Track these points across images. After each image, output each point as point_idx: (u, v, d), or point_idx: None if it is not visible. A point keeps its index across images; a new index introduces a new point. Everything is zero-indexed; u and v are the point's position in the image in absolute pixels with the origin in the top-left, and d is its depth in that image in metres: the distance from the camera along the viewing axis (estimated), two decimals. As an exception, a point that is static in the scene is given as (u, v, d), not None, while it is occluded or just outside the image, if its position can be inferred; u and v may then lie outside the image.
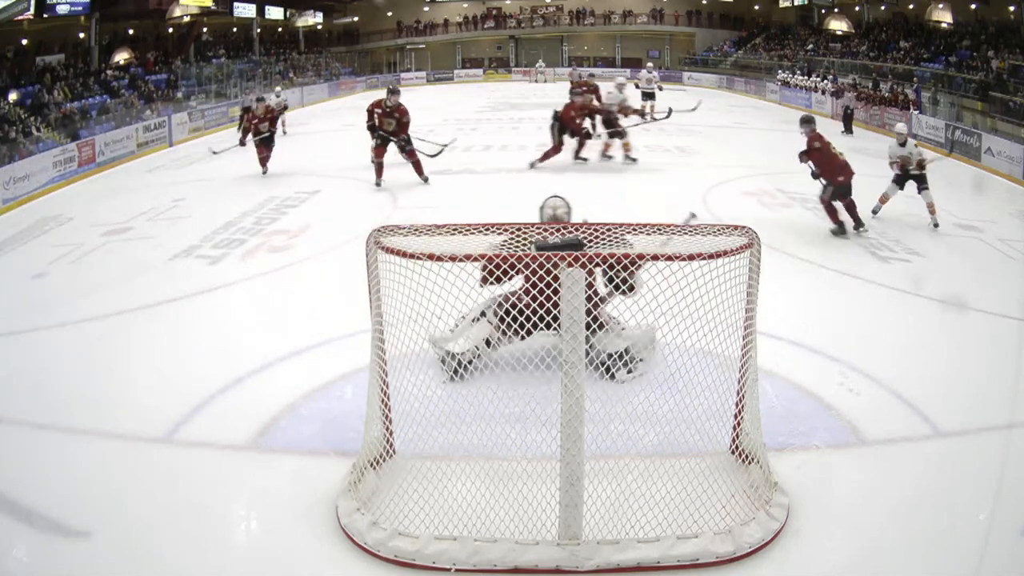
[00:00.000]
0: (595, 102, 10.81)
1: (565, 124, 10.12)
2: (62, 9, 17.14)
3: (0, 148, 11.28)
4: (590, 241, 2.84)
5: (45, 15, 16.71)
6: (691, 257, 2.83)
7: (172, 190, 9.96)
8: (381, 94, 9.40)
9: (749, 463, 3.19)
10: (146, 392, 4.10)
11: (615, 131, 10.67)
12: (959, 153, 12.16)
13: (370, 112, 9.18)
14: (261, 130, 10.59)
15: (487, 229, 2.91)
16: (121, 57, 19.02)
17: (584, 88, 11.37)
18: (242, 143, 10.59)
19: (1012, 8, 18.13)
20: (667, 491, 2.84)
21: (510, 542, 2.75)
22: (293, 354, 4.52)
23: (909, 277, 5.90)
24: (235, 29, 25.90)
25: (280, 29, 28.44)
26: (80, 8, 17.67)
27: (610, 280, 4.23)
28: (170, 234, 7.53)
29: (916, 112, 14.76)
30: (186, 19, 22.07)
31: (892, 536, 2.90)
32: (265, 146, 10.62)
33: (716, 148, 12.52)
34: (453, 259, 2.67)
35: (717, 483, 2.92)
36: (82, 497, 3.18)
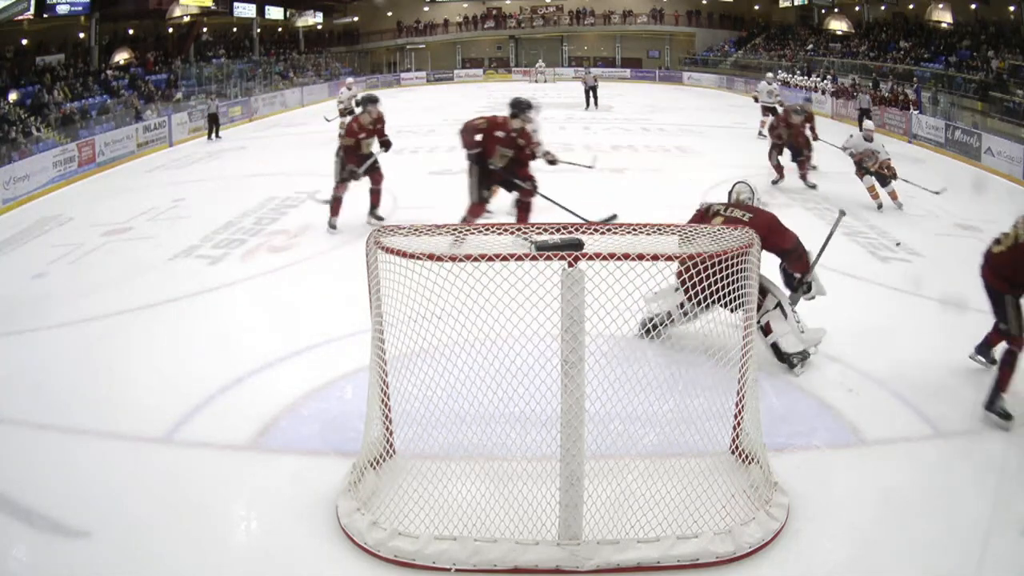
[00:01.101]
0: (808, 131, 9.22)
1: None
2: (62, 9, 17.14)
3: (0, 148, 11.28)
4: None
5: (45, 15, 16.71)
6: (691, 257, 2.83)
7: (172, 190, 9.95)
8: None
9: (749, 463, 3.19)
10: (146, 392, 4.10)
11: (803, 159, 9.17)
12: (959, 153, 12.17)
13: (484, 131, 6.05)
14: (366, 149, 7.02)
15: (487, 229, 2.91)
16: (121, 57, 19.02)
17: (804, 115, 9.27)
18: (352, 176, 7.02)
19: (1012, 8, 18.13)
20: (667, 491, 2.84)
21: (510, 542, 2.75)
22: (293, 354, 4.52)
23: (909, 277, 5.90)
24: (235, 29, 25.90)
25: (280, 29, 28.43)
26: (80, 8, 17.67)
27: (787, 279, 4.32)
28: (170, 234, 7.53)
29: (916, 112, 14.75)
30: (186, 19, 22.06)
31: (892, 536, 2.90)
32: (372, 176, 7.10)
33: (716, 148, 12.52)
34: (453, 259, 2.66)
35: (717, 483, 2.92)
36: (82, 497, 3.18)
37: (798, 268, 4.31)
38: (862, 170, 8.20)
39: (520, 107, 6.09)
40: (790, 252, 4.20)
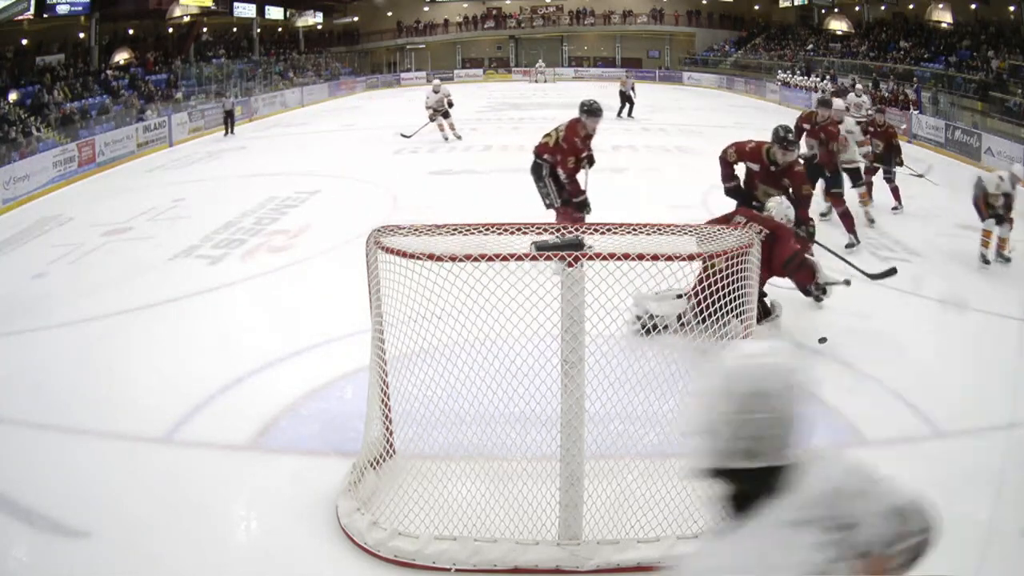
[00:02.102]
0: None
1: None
2: (62, 9, 17.13)
3: (0, 148, 11.28)
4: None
5: (45, 15, 16.70)
6: (691, 257, 2.83)
7: (172, 190, 9.96)
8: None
9: (749, 463, 3.18)
10: (146, 392, 4.10)
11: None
12: (959, 153, 12.16)
13: (734, 163, 5.01)
14: (578, 178, 5.62)
15: (487, 229, 2.91)
16: (121, 57, 19.01)
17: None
18: (581, 197, 5.77)
19: (1012, 8, 18.13)
20: (667, 491, 2.83)
21: (510, 542, 2.75)
22: (293, 354, 4.52)
23: (909, 277, 5.90)
24: (235, 29, 25.88)
25: (280, 29, 28.42)
26: (80, 8, 17.66)
27: (803, 291, 4.44)
28: (170, 234, 7.53)
29: (916, 112, 14.75)
30: (186, 19, 22.05)
31: (892, 536, 2.89)
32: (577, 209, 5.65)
33: (716, 148, 12.48)
34: (453, 259, 2.66)
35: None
36: (82, 497, 3.18)
37: (804, 278, 4.37)
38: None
39: (784, 141, 4.54)
40: (790, 261, 4.29)
